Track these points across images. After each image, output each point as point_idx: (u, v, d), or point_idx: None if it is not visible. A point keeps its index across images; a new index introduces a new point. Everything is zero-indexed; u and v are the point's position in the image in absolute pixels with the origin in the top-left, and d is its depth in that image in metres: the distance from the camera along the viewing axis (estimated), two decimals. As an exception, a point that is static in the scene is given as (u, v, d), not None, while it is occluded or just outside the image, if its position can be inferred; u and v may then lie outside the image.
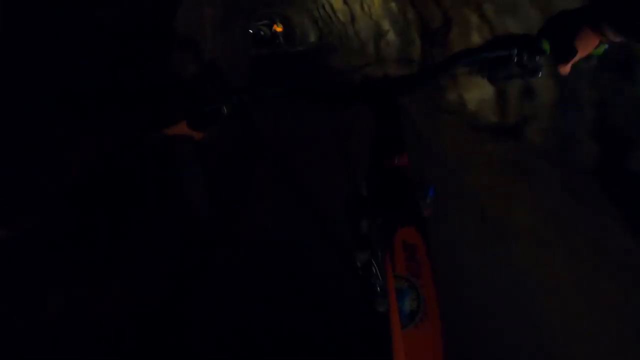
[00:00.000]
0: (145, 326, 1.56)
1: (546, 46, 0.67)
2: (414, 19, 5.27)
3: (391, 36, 6.13)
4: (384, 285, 0.79)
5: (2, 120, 1.16)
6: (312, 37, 13.51)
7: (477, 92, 4.32)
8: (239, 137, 3.63)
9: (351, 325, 1.46)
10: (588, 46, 0.65)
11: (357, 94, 0.77)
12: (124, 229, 1.74)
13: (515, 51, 0.69)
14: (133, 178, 1.82)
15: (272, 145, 3.72)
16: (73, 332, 1.36)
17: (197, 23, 3.55)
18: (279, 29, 18.22)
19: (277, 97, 0.78)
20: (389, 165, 0.71)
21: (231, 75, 4.39)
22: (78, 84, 1.53)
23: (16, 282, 1.24)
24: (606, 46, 0.66)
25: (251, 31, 17.74)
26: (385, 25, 6.20)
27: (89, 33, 1.62)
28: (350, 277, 1.05)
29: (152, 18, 2.24)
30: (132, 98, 1.80)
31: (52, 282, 1.36)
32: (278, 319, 1.63)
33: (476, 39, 4.02)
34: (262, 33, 19.46)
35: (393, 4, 5.84)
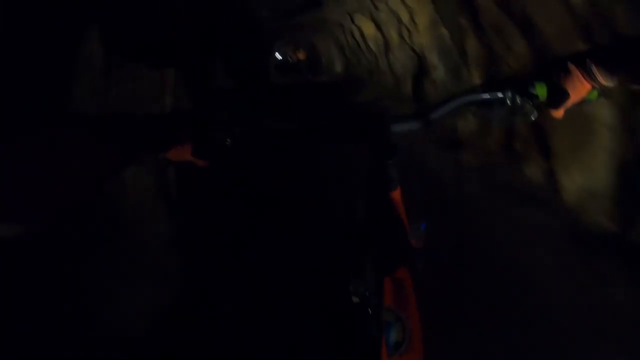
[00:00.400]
0: (148, 327, 1.62)
1: (540, 91, 0.70)
2: (477, 54, 3.66)
3: (439, 74, 4.51)
4: (375, 312, 0.82)
5: (4, 121, 1.23)
6: (338, 67, 12.20)
7: (580, 175, 2.63)
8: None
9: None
10: (580, 91, 0.67)
11: (351, 131, 0.76)
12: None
13: (510, 94, 0.72)
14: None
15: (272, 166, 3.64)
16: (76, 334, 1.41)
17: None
18: (301, 56, 17.26)
19: (279, 133, 0.77)
20: (382, 201, 0.71)
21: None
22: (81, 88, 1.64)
23: (18, 283, 1.28)
24: (599, 90, 0.68)
25: (279, 56, 17.12)
26: (433, 58, 4.59)
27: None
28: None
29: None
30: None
31: (56, 284, 1.40)
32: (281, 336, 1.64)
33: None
34: (289, 59, 18.65)
35: (445, 31, 4.25)
